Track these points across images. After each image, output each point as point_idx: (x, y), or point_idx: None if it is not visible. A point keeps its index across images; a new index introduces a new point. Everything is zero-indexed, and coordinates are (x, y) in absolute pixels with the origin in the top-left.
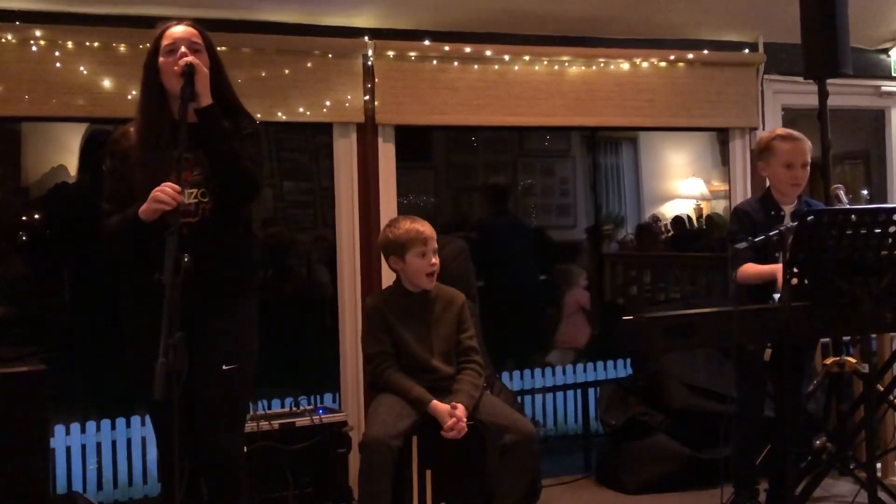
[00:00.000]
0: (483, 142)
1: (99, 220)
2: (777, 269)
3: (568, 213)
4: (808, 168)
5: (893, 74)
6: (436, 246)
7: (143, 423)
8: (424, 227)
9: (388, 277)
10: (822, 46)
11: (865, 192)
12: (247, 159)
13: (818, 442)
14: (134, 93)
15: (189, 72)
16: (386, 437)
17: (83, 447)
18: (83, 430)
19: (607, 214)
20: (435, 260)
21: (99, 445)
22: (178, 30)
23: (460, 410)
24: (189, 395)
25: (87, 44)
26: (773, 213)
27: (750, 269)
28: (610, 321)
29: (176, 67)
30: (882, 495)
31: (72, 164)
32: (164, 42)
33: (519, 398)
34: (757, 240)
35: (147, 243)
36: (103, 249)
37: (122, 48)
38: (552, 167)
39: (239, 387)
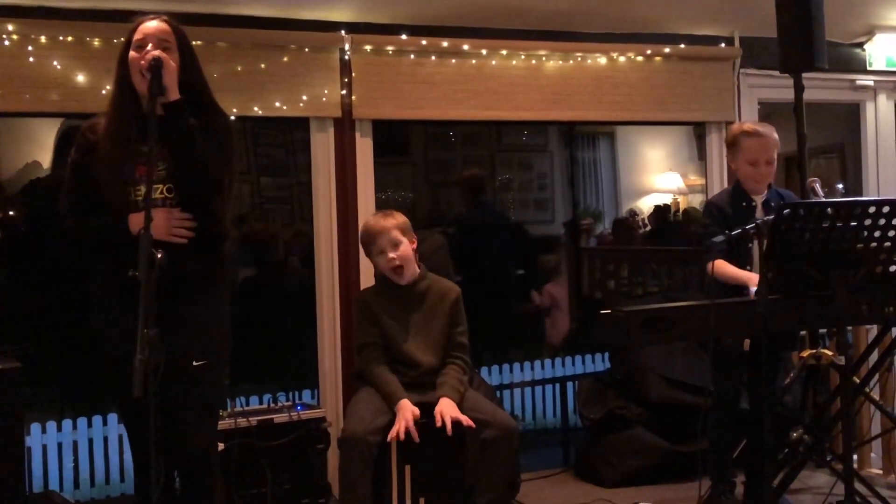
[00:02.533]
0: (461, 137)
1: (59, 215)
2: (751, 278)
3: (546, 207)
4: (774, 164)
5: (868, 68)
6: (393, 237)
7: (119, 421)
8: (375, 222)
9: (366, 273)
10: (798, 41)
11: (840, 185)
12: (212, 156)
13: (795, 434)
14: (108, 87)
15: (156, 66)
16: (365, 432)
17: (59, 445)
18: (59, 428)
19: (585, 209)
20: (392, 254)
21: (75, 443)
22: (150, 25)
23: (444, 403)
24: (162, 392)
25: (61, 38)
26: (744, 204)
27: (724, 268)
28: (588, 315)
29: (143, 63)
30: (858, 487)
31: (46, 160)
32: (136, 37)
33: (498, 393)
34: (734, 233)
35: (121, 241)
36: (68, 243)
37: (96, 42)
38: (530, 162)
39: (210, 383)
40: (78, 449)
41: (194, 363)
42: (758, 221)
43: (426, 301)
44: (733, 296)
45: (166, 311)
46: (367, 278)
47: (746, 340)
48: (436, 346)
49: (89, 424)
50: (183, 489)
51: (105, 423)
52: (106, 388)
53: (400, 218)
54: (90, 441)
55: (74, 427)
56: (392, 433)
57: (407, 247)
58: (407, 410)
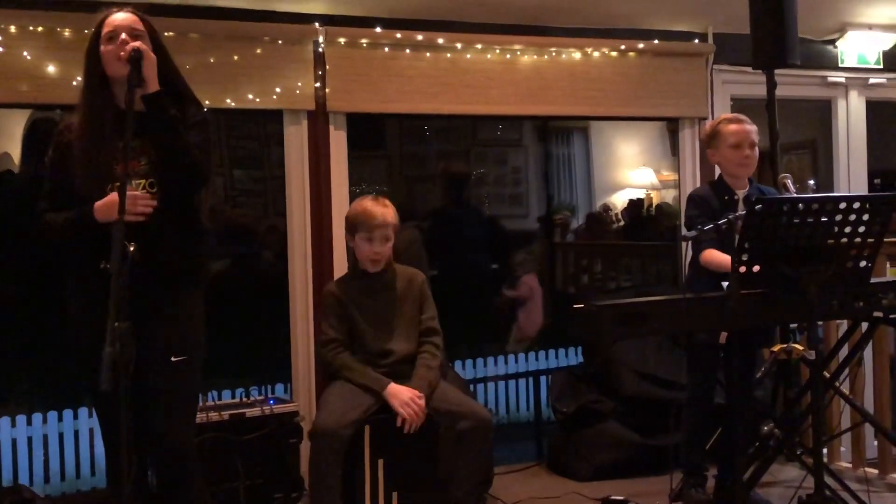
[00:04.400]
0: (436, 131)
1: (34, 215)
2: None
3: (520, 202)
4: (757, 150)
5: (840, 65)
6: (387, 234)
7: (90, 415)
8: (379, 212)
9: (340, 266)
10: (771, 37)
11: (812, 181)
12: (195, 147)
13: (766, 428)
14: (79, 79)
15: (136, 57)
16: (336, 426)
17: (29, 439)
18: (29, 423)
19: (559, 203)
20: (380, 248)
21: (45, 437)
22: (119, 16)
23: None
24: (137, 387)
25: (31, 28)
26: (726, 197)
27: (714, 256)
28: (561, 309)
29: (122, 53)
30: (828, 480)
31: (16, 152)
32: (105, 29)
33: (471, 386)
34: (706, 227)
35: (94, 233)
36: (38, 242)
37: (67, 33)
38: (505, 156)
39: (188, 378)
40: (48, 443)
41: (173, 359)
42: (730, 216)
43: (394, 288)
44: (712, 289)
45: (145, 306)
46: (340, 272)
47: (723, 333)
48: (407, 332)
49: (59, 418)
50: (161, 485)
51: (76, 417)
52: (80, 382)
53: (393, 211)
54: (60, 435)
55: (45, 421)
56: (402, 422)
57: (391, 243)
58: (402, 394)
